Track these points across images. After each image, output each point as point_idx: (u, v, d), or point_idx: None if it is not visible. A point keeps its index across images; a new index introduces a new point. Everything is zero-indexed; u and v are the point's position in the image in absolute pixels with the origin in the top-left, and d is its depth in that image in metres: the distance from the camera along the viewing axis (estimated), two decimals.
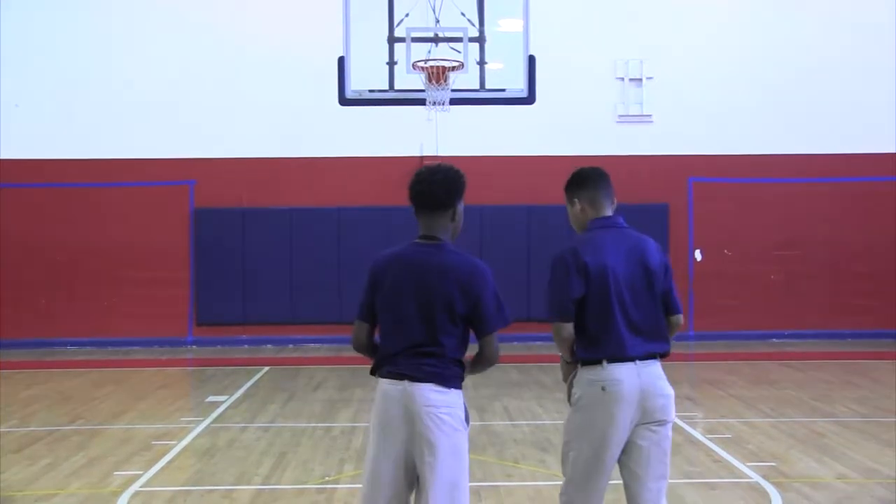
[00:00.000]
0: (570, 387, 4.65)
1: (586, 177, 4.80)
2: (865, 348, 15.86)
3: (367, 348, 4.38)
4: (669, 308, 4.66)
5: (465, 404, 4.36)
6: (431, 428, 4.14)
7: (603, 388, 4.45)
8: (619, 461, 4.57)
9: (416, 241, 4.34)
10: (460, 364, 4.31)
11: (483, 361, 4.41)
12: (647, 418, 4.49)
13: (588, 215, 4.74)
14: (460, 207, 4.39)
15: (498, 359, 4.40)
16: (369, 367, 4.43)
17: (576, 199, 4.77)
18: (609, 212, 4.74)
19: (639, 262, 4.58)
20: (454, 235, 4.41)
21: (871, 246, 17.24)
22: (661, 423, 4.52)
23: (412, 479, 4.23)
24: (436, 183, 4.30)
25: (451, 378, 4.24)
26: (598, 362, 4.49)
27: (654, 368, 4.53)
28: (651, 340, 4.54)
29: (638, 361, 4.47)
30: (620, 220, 4.75)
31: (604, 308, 4.49)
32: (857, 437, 9.06)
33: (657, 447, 4.52)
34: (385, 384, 4.22)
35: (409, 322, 4.20)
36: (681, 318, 4.71)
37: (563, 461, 4.68)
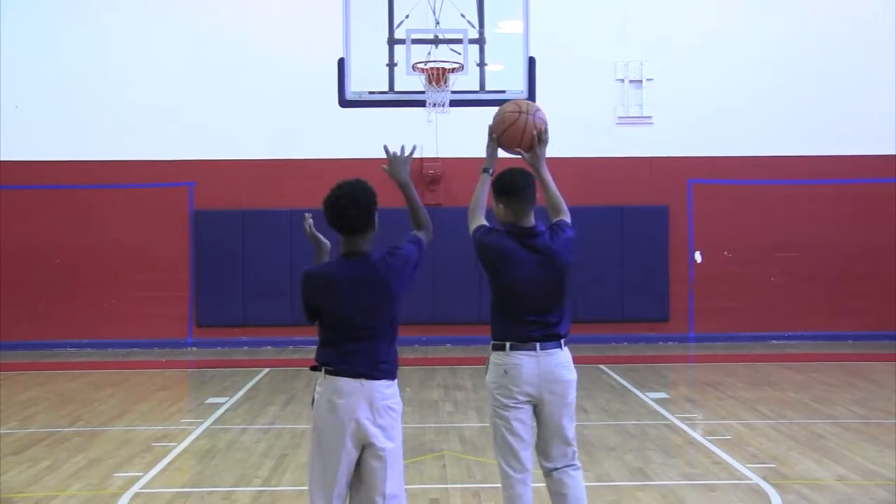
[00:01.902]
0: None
1: (513, 185, 5.28)
2: (866, 350, 15.85)
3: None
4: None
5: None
6: (385, 416, 4.58)
7: (505, 371, 5.10)
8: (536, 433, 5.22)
9: (342, 257, 4.71)
10: (396, 357, 4.73)
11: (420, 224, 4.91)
12: (549, 396, 5.10)
13: (510, 221, 5.23)
14: (376, 217, 4.73)
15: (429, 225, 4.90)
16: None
17: (501, 204, 5.27)
18: (530, 221, 5.21)
19: (543, 261, 5.12)
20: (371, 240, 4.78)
21: (871, 247, 17.23)
22: (562, 401, 5.13)
23: (358, 459, 4.63)
24: (349, 214, 4.62)
25: (395, 371, 4.70)
26: (502, 348, 5.11)
27: (555, 356, 5.12)
28: (551, 329, 5.12)
29: (540, 350, 5.07)
30: (540, 228, 5.24)
31: (508, 299, 5.14)
32: (857, 438, 9.06)
33: (557, 424, 5.15)
34: (338, 381, 4.57)
35: (355, 329, 4.59)
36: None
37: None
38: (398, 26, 11.59)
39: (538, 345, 5.07)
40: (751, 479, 7.55)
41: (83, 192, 17.08)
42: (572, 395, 5.18)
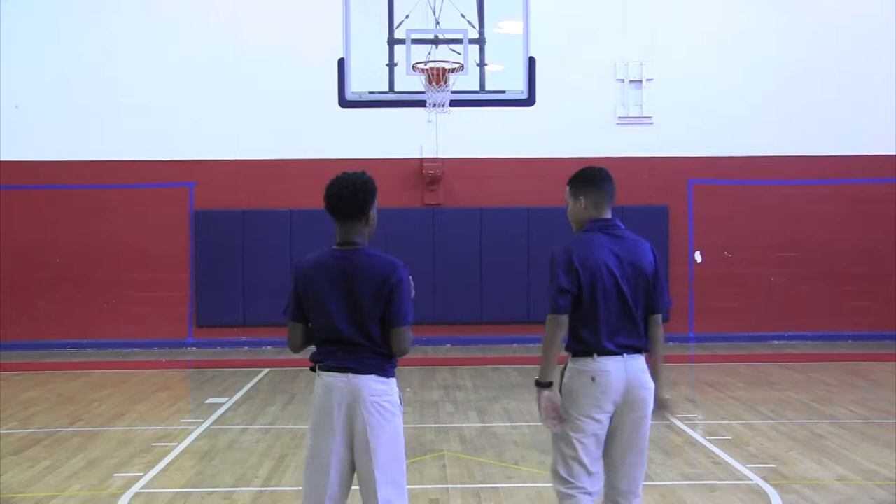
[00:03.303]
0: (539, 406, 4.88)
1: (594, 177, 5.04)
2: (865, 350, 15.86)
3: (301, 348, 4.75)
4: (654, 307, 4.94)
5: (398, 390, 4.66)
6: (374, 414, 4.51)
7: (592, 378, 4.79)
8: (605, 446, 4.90)
9: (335, 247, 4.66)
10: (391, 355, 4.61)
11: (393, 354, 4.64)
12: (629, 407, 4.83)
13: (589, 214, 4.98)
14: (373, 212, 4.71)
15: (407, 351, 4.62)
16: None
17: (581, 197, 5.00)
18: (608, 214, 5.00)
19: (630, 263, 4.87)
20: (369, 236, 4.73)
21: (871, 248, 17.24)
22: (641, 413, 4.85)
23: (352, 460, 4.59)
24: (346, 197, 4.60)
25: (388, 368, 4.59)
26: (588, 354, 4.81)
27: (638, 362, 4.87)
28: (633, 336, 4.86)
29: (625, 354, 4.82)
30: (618, 221, 5.00)
31: (595, 305, 4.79)
32: (857, 438, 9.06)
33: (636, 432, 4.88)
34: (328, 377, 4.56)
35: (342, 321, 4.53)
36: (660, 318, 4.98)
37: (554, 444, 4.97)
38: (398, 26, 11.61)
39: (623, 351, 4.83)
40: (751, 480, 7.55)
41: (83, 193, 17.08)
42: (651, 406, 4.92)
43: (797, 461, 8.19)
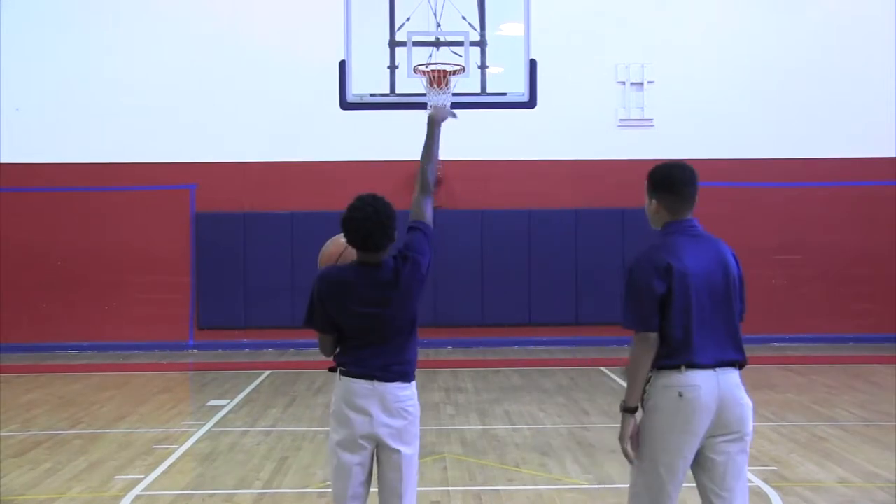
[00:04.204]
0: (625, 433, 4.37)
1: (670, 179, 4.67)
2: (866, 352, 15.86)
3: (333, 353, 4.75)
4: (738, 314, 4.52)
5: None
6: (397, 418, 4.57)
7: (680, 394, 4.28)
8: (695, 474, 4.45)
9: (359, 263, 4.64)
10: (414, 360, 4.69)
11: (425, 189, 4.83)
12: (723, 429, 4.33)
13: (664, 218, 4.62)
14: (396, 234, 4.63)
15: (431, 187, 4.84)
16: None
17: (653, 199, 4.64)
18: (688, 214, 4.62)
19: (719, 268, 4.48)
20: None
21: (871, 249, 17.24)
22: (738, 434, 4.35)
23: (370, 463, 4.65)
24: (373, 234, 4.54)
25: (411, 374, 4.67)
26: (676, 367, 4.30)
27: (733, 377, 4.38)
28: (729, 348, 4.39)
29: (717, 369, 4.33)
30: (696, 222, 4.64)
31: (685, 314, 4.31)
32: (858, 441, 9.06)
33: (733, 462, 4.37)
34: (353, 382, 4.58)
35: (371, 332, 4.58)
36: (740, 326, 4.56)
37: (634, 468, 4.47)
38: (399, 28, 11.60)
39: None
40: (752, 482, 7.54)
41: (84, 195, 17.10)
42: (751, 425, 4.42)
43: (798, 463, 8.19)
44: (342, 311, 4.57)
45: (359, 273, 4.60)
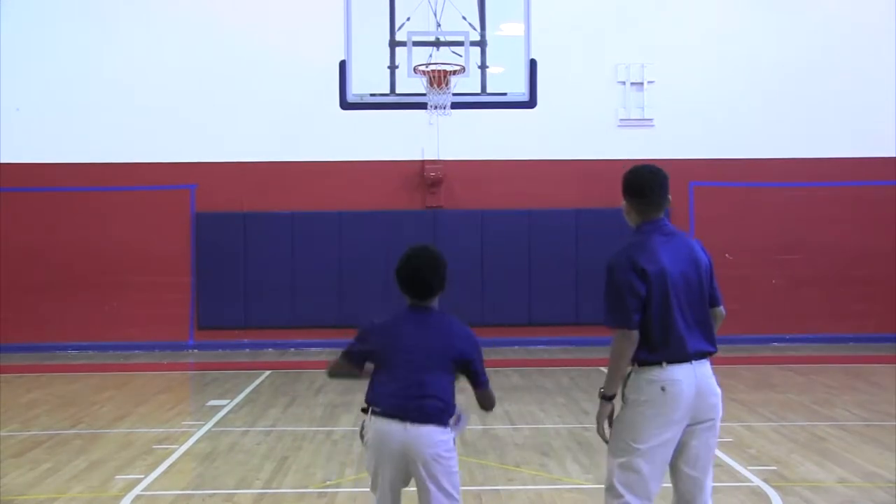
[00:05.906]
0: (602, 417, 4.63)
1: (639, 184, 4.73)
2: (867, 352, 15.86)
3: (342, 378, 4.95)
4: (714, 300, 4.70)
5: (458, 409, 4.75)
6: (432, 464, 4.52)
7: (663, 389, 4.47)
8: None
9: (410, 308, 4.73)
10: (453, 404, 4.71)
11: (485, 407, 4.94)
12: (699, 417, 4.53)
13: (635, 219, 4.74)
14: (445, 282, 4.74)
15: (495, 403, 4.91)
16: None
17: (625, 202, 4.77)
18: (660, 214, 4.72)
19: (692, 265, 4.62)
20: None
21: (872, 250, 17.24)
22: (711, 421, 4.57)
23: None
24: (430, 286, 4.66)
25: (447, 417, 4.65)
26: (657, 364, 4.50)
27: (706, 368, 4.59)
28: (703, 340, 4.58)
29: (693, 361, 4.52)
30: (667, 222, 4.75)
31: (664, 312, 4.50)
32: (858, 440, 9.05)
33: (706, 446, 4.58)
34: (384, 422, 4.56)
35: (411, 372, 4.57)
36: (723, 309, 4.75)
37: (614, 458, 4.63)
38: (399, 29, 11.61)
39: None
40: (752, 482, 7.55)
41: (84, 195, 17.10)
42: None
43: (798, 463, 8.19)
44: (384, 350, 4.67)
45: (407, 315, 4.72)
